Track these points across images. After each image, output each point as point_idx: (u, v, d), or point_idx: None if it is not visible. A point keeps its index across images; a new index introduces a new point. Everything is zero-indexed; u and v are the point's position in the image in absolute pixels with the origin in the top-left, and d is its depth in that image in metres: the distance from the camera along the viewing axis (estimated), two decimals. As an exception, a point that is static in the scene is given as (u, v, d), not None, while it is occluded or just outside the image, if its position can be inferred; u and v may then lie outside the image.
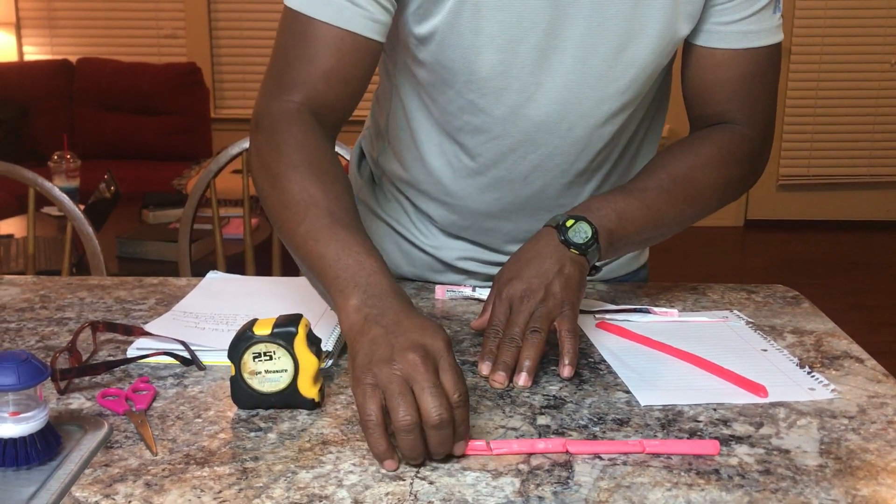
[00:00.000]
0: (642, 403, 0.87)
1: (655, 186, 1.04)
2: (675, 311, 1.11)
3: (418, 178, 1.16)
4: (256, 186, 1.01)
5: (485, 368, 0.92)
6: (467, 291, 1.17)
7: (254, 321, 0.84)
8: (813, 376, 0.93)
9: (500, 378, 0.90)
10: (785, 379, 0.92)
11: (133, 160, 4.86)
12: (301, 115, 1.00)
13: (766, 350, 1.00)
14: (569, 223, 0.97)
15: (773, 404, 0.87)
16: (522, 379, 0.90)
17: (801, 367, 0.95)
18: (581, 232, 0.97)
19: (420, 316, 0.81)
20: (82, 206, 2.83)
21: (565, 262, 0.95)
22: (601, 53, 1.02)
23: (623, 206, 1.01)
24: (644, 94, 1.09)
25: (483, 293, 1.15)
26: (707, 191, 1.09)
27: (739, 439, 0.80)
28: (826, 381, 0.92)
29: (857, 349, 1.01)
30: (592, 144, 1.09)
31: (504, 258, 1.19)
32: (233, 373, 0.83)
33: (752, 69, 1.08)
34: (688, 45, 1.09)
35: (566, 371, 0.91)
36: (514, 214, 1.15)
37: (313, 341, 0.84)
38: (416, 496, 0.70)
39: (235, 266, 1.87)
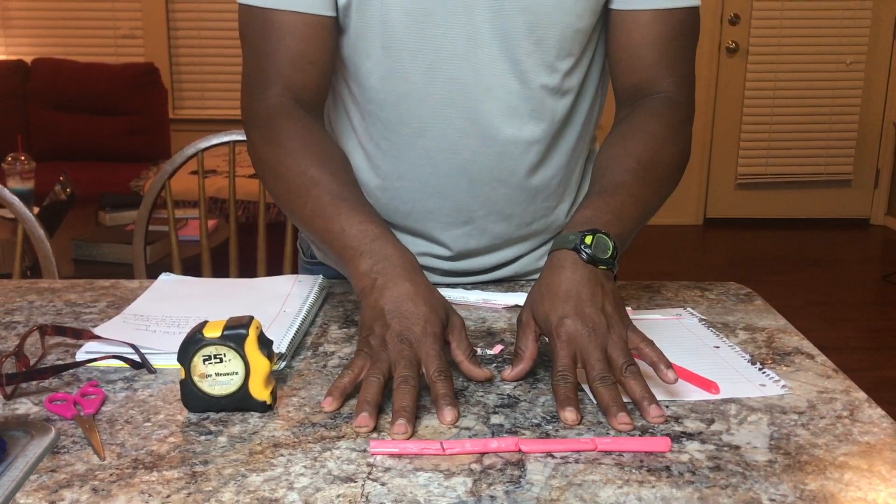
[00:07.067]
0: (595, 401, 0.87)
1: (633, 178, 1.03)
2: (628, 308, 1.11)
3: (359, 165, 1.17)
4: (260, 180, 1.09)
5: (570, 415, 0.82)
6: None
7: (204, 323, 0.83)
8: (764, 372, 0.94)
9: (625, 420, 0.81)
10: (736, 375, 0.93)
11: (90, 161, 4.79)
12: (285, 106, 1.07)
13: (718, 347, 1.01)
14: (588, 240, 0.93)
15: (725, 400, 0.88)
16: (656, 412, 0.82)
17: (753, 363, 0.96)
18: (604, 246, 0.93)
19: (419, 290, 0.90)
20: (37, 209, 2.80)
21: (602, 281, 0.92)
22: (512, 9, 1.04)
23: (616, 205, 0.99)
24: (565, 58, 1.09)
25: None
26: (671, 169, 1.10)
27: (690, 436, 0.80)
28: (777, 378, 0.92)
29: (808, 345, 1.03)
30: (515, 109, 1.10)
31: (444, 250, 1.19)
32: (182, 376, 0.82)
33: (675, 31, 1.10)
34: (610, 12, 1.10)
35: (671, 375, 0.85)
36: (452, 190, 1.14)
37: (265, 343, 0.83)
38: (367, 498, 0.70)
39: (192, 268, 1.85)
